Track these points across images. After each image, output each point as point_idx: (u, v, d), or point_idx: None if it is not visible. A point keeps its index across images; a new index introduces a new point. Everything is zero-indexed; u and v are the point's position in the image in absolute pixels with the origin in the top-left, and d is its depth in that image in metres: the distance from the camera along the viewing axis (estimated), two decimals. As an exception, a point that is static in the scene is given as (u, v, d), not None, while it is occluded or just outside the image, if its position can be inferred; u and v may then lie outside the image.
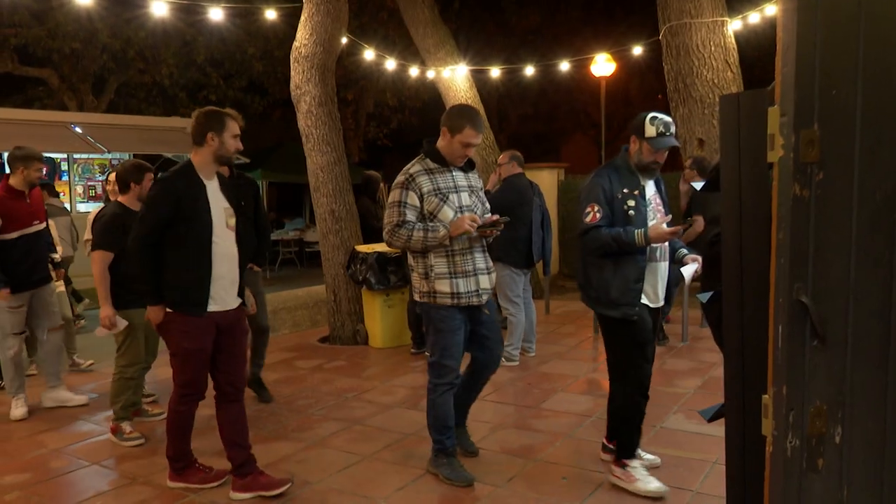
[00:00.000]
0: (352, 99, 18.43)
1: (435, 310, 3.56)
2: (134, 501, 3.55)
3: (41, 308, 5.17)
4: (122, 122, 13.38)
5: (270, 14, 7.82)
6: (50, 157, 12.25)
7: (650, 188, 3.50)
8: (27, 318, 5.12)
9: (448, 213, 3.50)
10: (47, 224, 5.28)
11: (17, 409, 4.98)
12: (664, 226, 3.31)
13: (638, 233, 3.27)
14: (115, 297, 4.32)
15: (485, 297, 3.63)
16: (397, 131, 20.46)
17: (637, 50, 9.82)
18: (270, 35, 15.30)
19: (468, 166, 3.69)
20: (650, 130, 3.32)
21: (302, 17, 7.03)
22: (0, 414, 5.03)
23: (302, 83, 6.96)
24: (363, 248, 6.82)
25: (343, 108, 7.50)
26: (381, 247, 6.85)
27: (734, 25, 7.56)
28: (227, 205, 3.52)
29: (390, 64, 9.44)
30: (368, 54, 9.09)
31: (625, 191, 3.37)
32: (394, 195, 3.55)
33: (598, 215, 3.33)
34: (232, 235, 3.51)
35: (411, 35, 9.03)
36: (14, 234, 4.96)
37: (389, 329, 6.89)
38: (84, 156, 12.53)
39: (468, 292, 3.55)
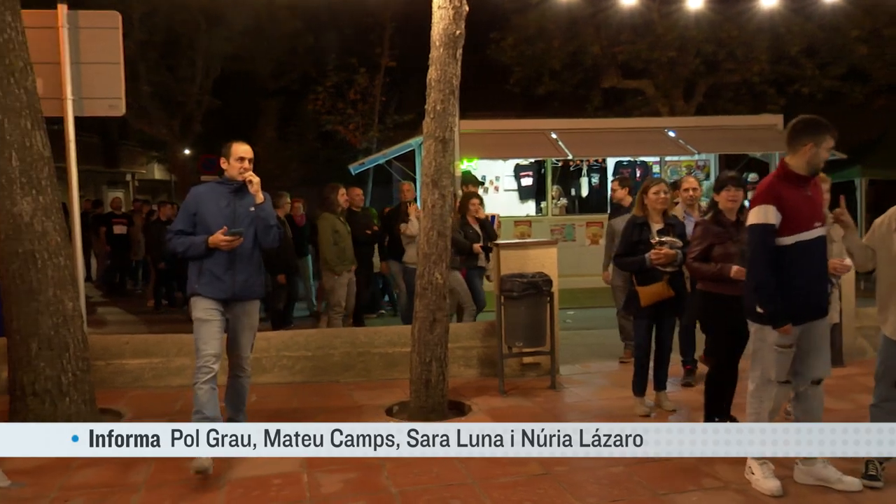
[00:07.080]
0: None
1: None
2: None
3: (813, 347, 3.63)
4: (709, 124, 13.69)
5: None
6: (643, 161, 13.34)
7: None
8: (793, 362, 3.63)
9: None
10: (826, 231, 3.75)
11: (768, 481, 3.59)
12: None
13: None
14: None
15: None
16: None
17: None
18: (879, 11, 13.42)
19: None
20: None
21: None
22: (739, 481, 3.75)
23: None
24: None
25: None
26: None
27: None
28: None
29: None
30: None
31: None
32: None
33: None
34: None
35: None
36: (791, 239, 3.51)
37: None
38: (674, 158, 13.21)
39: None
